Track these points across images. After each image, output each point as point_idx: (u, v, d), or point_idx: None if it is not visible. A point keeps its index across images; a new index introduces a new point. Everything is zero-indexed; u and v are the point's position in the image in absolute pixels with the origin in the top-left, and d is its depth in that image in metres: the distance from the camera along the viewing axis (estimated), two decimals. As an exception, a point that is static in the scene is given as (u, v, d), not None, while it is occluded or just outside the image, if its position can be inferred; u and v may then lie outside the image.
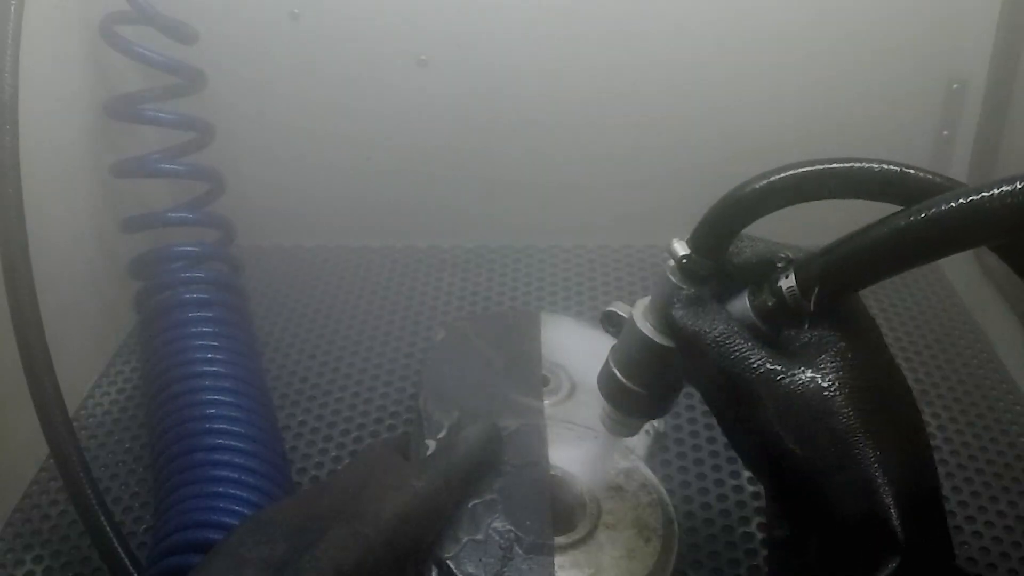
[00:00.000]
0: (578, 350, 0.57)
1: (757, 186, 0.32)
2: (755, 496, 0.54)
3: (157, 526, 0.49)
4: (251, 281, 0.76)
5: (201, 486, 0.49)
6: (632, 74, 0.73)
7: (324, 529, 0.39)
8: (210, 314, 0.61)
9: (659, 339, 0.38)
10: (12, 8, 0.49)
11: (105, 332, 0.70)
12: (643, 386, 0.41)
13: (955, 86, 0.73)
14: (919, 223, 0.28)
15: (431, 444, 0.51)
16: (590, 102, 0.74)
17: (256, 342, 0.67)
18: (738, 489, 0.54)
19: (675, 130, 0.74)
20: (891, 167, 0.31)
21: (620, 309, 0.42)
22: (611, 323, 0.42)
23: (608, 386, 0.42)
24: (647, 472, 0.50)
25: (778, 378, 0.31)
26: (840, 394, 0.31)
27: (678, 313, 0.35)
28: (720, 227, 0.34)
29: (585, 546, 0.46)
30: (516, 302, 0.74)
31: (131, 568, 0.46)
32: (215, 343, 0.59)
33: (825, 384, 0.31)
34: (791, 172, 0.32)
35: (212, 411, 0.53)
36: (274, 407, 0.61)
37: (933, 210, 0.27)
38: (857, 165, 0.31)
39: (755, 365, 0.32)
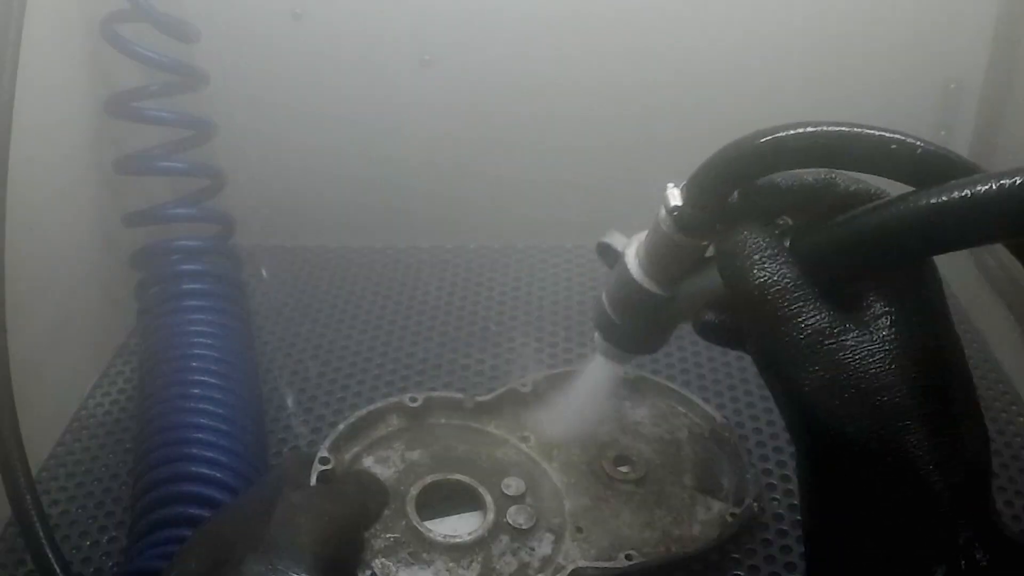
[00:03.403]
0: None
1: (764, 141, 0.28)
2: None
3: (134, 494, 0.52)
4: (253, 281, 0.76)
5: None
6: (635, 75, 0.73)
7: (239, 561, 0.38)
8: (203, 303, 0.63)
9: (647, 284, 0.36)
10: (13, 7, 0.49)
11: (106, 332, 0.70)
12: (631, 323, 0.39)
13: (952, 86, 0.73)
14: (915, 211, 0.24)
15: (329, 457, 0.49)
16: (593, 102, 0.75)
17: (248, 328, 0.68)
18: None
19: (677, 131, 0.74)
20: (934, 149, 0.26)
21: (615, 242, 0.40)
22: (606, 255, 0.40)
23: (598, 315, 0.41)
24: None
25: (830, 342, 0.27)
26: (894, 366, 0.26)
27: (738, 258, 0.29)
28: (720, 183, 0.30)
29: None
30: (518, 301, 0.74)
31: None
32: (205, 329, 0.61)
33: (878, 353, 0.26)
34: (813, 130, 0.27)
35: (197, 391, 0.55)
36: (260, 390, 0.62)
37: (931, 200, 0.24)
38: (899, 138, 0.26)
39: (806, 323, 0.27)
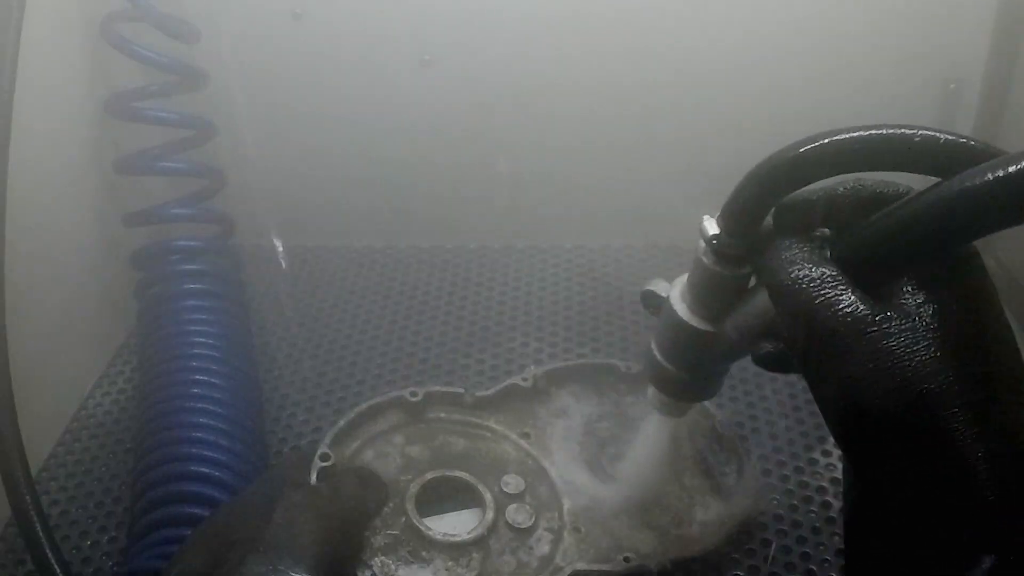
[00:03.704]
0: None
1: (788, 158, 0.29)
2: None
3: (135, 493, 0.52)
4: (253, 281, 0.76)
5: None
6: (634, 75, 0.73)
7: (240, 560, 0.38)
8: (203, 303, 0.63)
9: (696, 323, 0.36)
10: (13, 7, 0.49)
11: (106, 332, 0.70)
12: (685, 369, 0.39)
13: (952, 86, 0.73)
14: (945, 200, 0.25)
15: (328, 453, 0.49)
16: (593, 102, 0.75)
17: (248, 328, 0.68)
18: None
19: (677, 131, 0.75)
20: (956, 138, 0.27)
21: (659, 288, 0.40)
22: (650, 303, 0.40)
23: (651, 368, 0.40)
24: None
25: (869, 331, 0.26)
26: (938, 353, 0.26)
27: (776, 262, 0.30)
28: (750, 208, 0.31)
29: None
30: (519, 301, 0.74)
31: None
32: (205, 329, 0.61)
33: (922, 341, 0.26)
34: (829, 140, 0.28)
35: (197, 391, 0.56)
36: (260, 389, 0.63)
37: (960, 186, 0.24)
38: (920, 134, 0.27)
39: (845, 311, 0.27)
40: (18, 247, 0.50)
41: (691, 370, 0.39)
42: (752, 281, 0.35)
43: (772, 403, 0.62)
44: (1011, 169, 0.23)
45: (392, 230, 0.82)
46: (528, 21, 0.71)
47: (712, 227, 0.33)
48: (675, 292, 0.38)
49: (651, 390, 0.42)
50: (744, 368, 0.65)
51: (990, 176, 0.23)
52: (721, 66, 0.73)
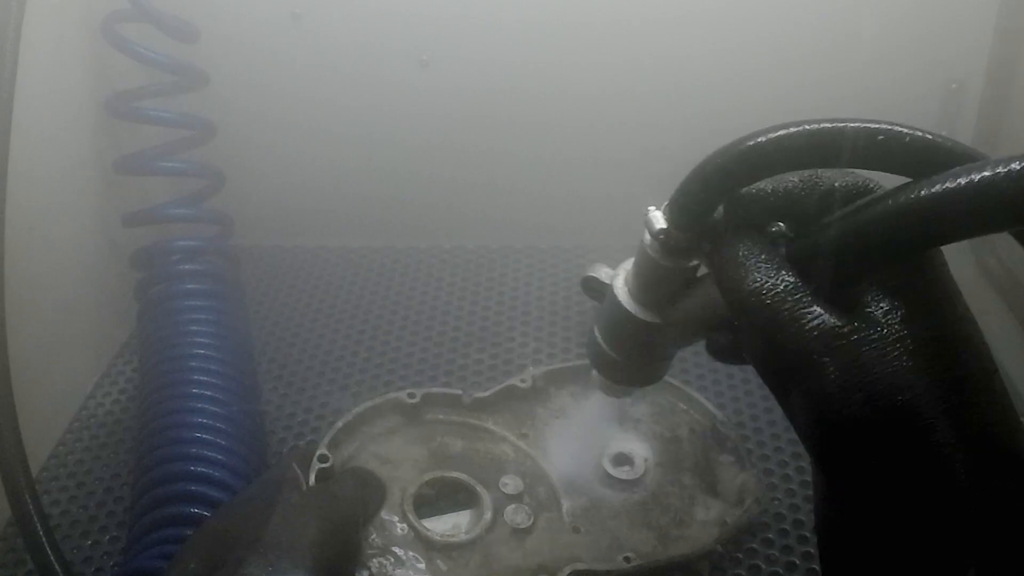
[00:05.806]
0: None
1: (742, 149, 0.27)
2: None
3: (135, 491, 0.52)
4: (252, 281, 0.77)
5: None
6: (633, 76, 0.73)
7: (239, 561, 0.38)
8: (203, 303, 0.64)
9: (641, 313, 0.35)
10: (13, 7, 0.49)
11: (106, 332, 0.70)
12: (626, 356, 0.38)
13: (953, 86, 0.73)
14: (913, 204, 0.23)
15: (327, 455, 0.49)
16: (592, 102, 0.75)
17: (247, 328, 0.68)
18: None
19: (675, 131, 0.74)
20: (923, 136, 0.25)
21: (601, 275, 0.38)
22: (593, 289, 0.39)
23: (594, 353, 0.40)
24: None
25: (837, 344, 0.25)
26: (910, 362, 0.25)
27: (731, 266, 0.28)
28: (699, 202, 0.29)
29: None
30: (517, 302, 0.74)
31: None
32: (205, 329, 0.62)
33: (892, 351, 0.25)
34: (794, 131, 0.26)
35: (196, 391, 0.56)
36: (259, 389, 0.63)
37: (930, 190, 0.23)
38: (884, 129, 0.25)
39: (810, 325, 0.25)
40: (18, 247, 0.50)
41: (635, 358, 0.38)
42: (700, 271, 0.33)
43: (773, 403, 0.62)
44: (993, 173, 0.22)
45: (390, 230, 0.82)
46: (527, 22, 0.71)
47: (659, 220, 0.31)
48: (619, 281, 0.36)
49: (594, 372, 0.41)
50: (745, 368, 0.65)
51: (968, 180, 0.22)
52: (722, 68, 0.72)
